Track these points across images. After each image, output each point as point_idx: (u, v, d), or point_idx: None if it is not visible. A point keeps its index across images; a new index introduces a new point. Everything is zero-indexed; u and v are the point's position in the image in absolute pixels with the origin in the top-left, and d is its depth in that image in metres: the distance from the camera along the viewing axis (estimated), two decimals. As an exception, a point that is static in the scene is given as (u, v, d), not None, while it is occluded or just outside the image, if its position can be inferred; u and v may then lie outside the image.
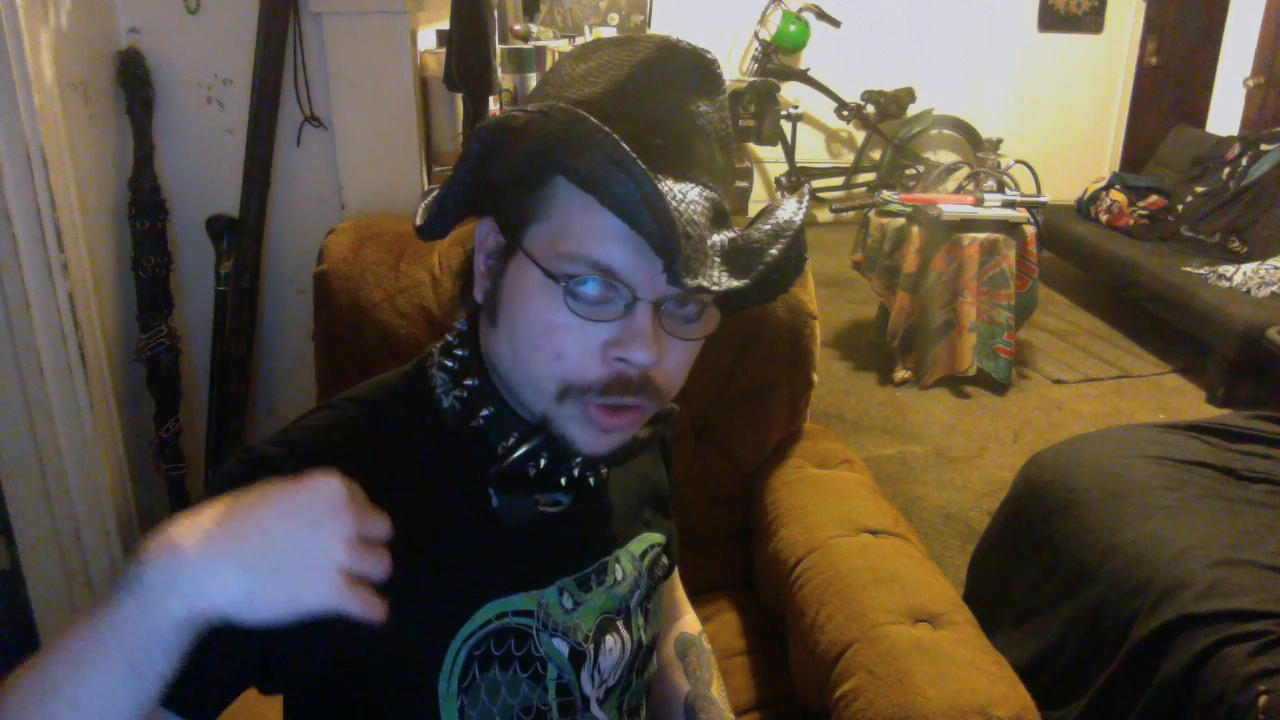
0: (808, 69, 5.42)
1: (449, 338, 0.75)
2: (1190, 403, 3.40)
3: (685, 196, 0.62)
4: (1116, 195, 4.37)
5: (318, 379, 1.41)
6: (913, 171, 5.17)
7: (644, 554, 0.83)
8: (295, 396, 1.88)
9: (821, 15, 5.14)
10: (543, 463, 0.69)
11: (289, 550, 0.52)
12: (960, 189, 3.47)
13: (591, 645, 0.75)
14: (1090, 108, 5.97)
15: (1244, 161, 4.11)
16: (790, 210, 0.68)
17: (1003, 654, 1.04)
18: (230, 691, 0.62)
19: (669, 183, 0.62)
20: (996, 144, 3.92)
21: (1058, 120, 5.90)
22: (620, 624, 0.78)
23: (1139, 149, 5.67)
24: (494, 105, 1.71)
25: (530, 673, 0.71)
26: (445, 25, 1.68)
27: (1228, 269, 3.58)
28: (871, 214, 3.56)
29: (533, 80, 1.92)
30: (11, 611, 1.64)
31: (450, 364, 0.73)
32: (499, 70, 1.78)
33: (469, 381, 0.71)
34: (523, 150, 0.63)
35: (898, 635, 1.04)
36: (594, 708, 0.75)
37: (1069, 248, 4.47)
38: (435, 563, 0.68)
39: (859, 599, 1.11)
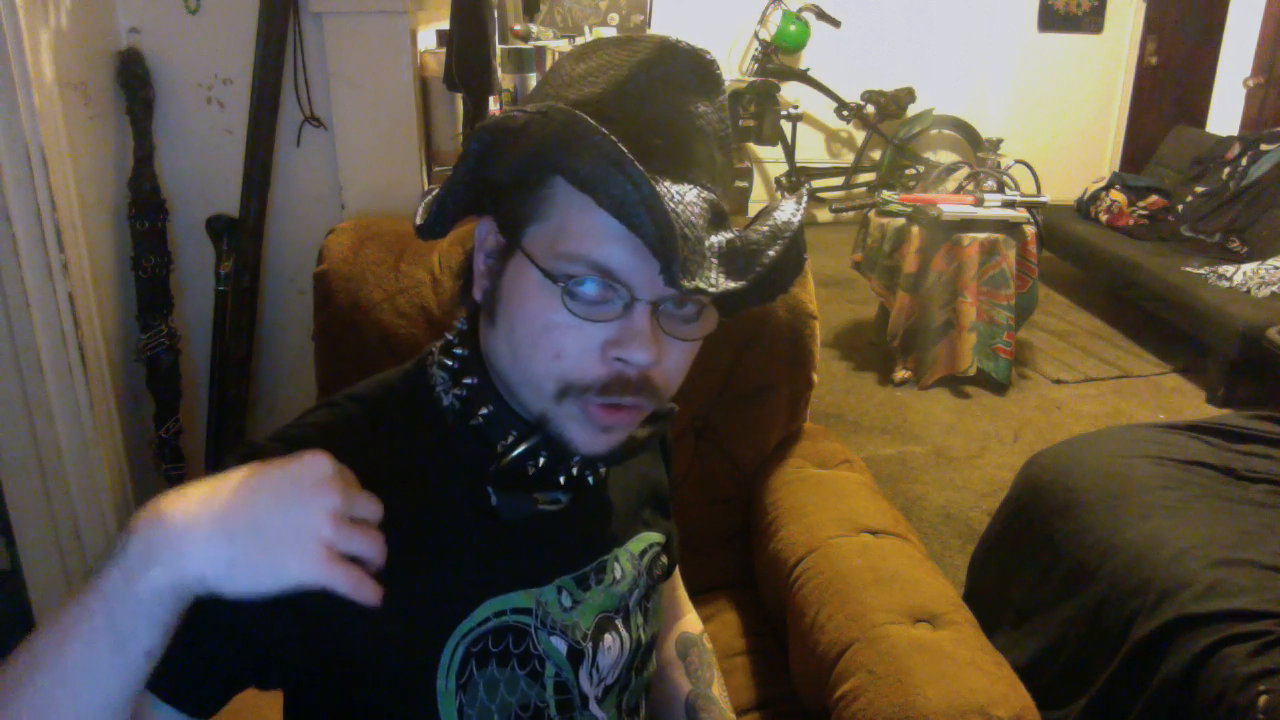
0: (808, 69, 5.42)
1: (448, 336, 0.76)
2: (1190, 403, 3.40)
3: (683, 198, 0.62)
4: (1116, 195, 4.37)
5: (318, 379, 1.41)
6: (913, 171, 5.17)
7: (643, 553, 0.83)
8: (295, 396, 1.88)
9: (821, 15, 5.14)
10: (541, 461, 0.69)
11: (273, 521, 0.52)
12: (960, 189, 3.47)
13: (590, 644, 0.75)
14: (1090, 108, 5.97)
15: (1244, 161, 4.11)
16: (788, 211, 0.68)
17: (1003, 654, 1.04)
18: (228, 687, 0.62)
19: (667, 184, 0.62)
20: (996, 144, 3.92)
21: (1058, 120, 5.90)
22: (619, 623, 0.78)
23: (1139, 149, 5.68)
24: (494, 105, 1.72)
25: (528, 670, 0.71)
26: (445, 25, 1.68)
27: (1228, 269, 3.58)
28: (871, 214, 3.57)
29: (533, 80, 1.92)
30: (11, 611, 1.64)
31: (450, 363, 0.73)
32: (499, 70, 1.78)
33: (468, 380, 0.72)
34: (522, 150, 0.63)
35: (898, 635, 1.04)
36: (592, 706, 0.75)
37: (1069, 248, 4.47)
38: (434, 560, 0.68)
39: (859, 599, 1.11)
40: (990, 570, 1.90)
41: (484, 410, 0.71)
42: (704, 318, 0.68)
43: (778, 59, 5.28)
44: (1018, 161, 3.63)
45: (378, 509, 0.56)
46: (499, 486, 0.69)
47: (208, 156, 1.73)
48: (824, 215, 5.48)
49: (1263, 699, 1.23)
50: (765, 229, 0.66)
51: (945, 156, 5.12)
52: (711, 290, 0.60)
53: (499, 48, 1.81)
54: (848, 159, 5.73)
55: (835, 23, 5.16)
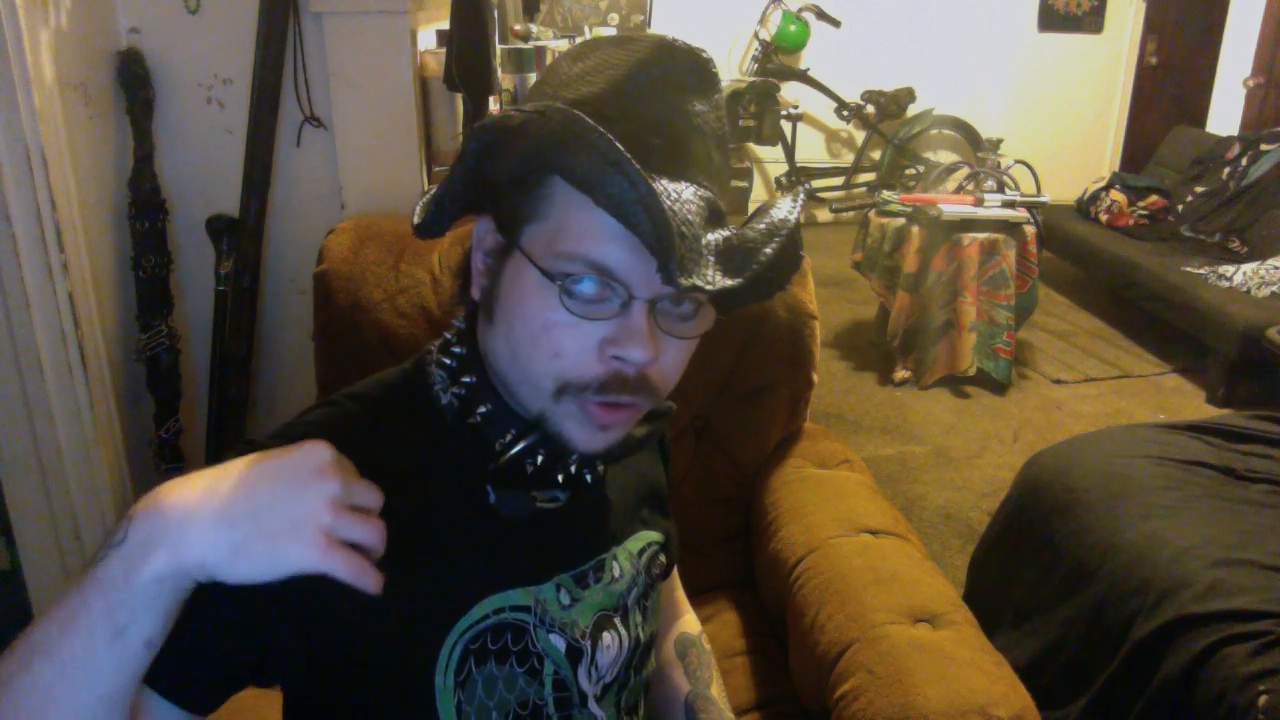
0: (808, 69, 5.42)
1: (447, 335, 0.76)
2: (1190, 403, 3.40)
3: (680, 196, 0.62)
4: (1116, 195, 4.37)
5: (318, 379, 1.41)
6: (913, 171, 5.17)
7: (641, 552, 0.83)
8: (295, 396, 1.88)
9: (821, 15, 5.14)
10: (540, 459, 0.69)
11: (272, 508, 0.53)
12: (960, 189, 3.47)
13: (589, 642, 0.75)
14: (1090, 108, 5.97)
15: (1244, 161, 4.11)
16: (785, 209, 0.68)
17: (1003, 654, 1.04)
18: (227, 684, 0.62)
19: (664, 182, 0.62)
20: (996, 144, 3.92)
21: (1058, 120, 5.90)
22: (618, 621, 0.78)
23: (1139, 149, 5.68)
24: (494, 105, 1.72)
25: (527, 668, 0.71)
26: (445, 25, 1.68)
27: (1228, 269, 3.58)
28: (871, 214, 3.57)
29: (533, 80, 1.92)
30: (11, 611, 1.64)
31: (448, 361, 0.74)
32: (499, 70, 1.78)
33: (467, 378, 0.72)
34: (520, 150, 0.63)
35: (898, 635, 1.04)
36: (591, 704, 0.75)
37: (1069, 248, 4.47)
38: (432, 557, 0.69)
39: (859, 599, 1.11)
40: (990, 570, 1.90)
41: (482, 409, 0.71)
42: (701, 316, 0.68)
43: (778, 59, 5.28)
44: (1018, 161, 3.62)
45: (378, 497, 0.57)
46: (497, 484, 0.69)
47: (208, 156, 1.73)
48: (824, 215, 5.48)
49: (1263, 699, 1.23)
50: (762, 226, 0.66)
51: (945, 156, 5.12)
52: (708, 288, 0.60)
53: (499, 48, 1.81)
54: (848, 159, 5.73)
55: (835, 23, 5.16)
